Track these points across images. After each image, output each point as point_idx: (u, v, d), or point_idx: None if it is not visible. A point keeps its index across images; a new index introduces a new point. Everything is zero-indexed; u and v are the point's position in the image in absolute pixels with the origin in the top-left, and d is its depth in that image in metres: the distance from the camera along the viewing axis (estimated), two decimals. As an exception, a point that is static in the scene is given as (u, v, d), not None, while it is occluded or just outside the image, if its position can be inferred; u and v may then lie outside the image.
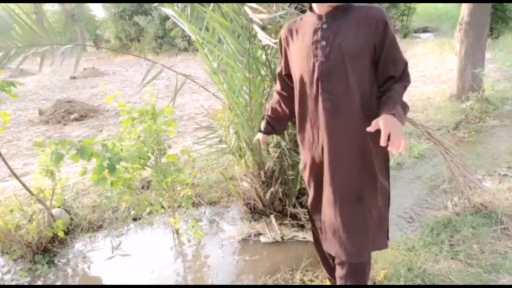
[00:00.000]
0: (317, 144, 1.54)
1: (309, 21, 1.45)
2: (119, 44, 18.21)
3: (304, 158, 1.66)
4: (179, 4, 2.67)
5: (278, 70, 1.75)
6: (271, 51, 2.48)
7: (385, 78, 1.42)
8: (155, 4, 12.70)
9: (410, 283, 2.05)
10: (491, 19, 6.67)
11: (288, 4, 2.32)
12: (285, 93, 1.76)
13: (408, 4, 15.12)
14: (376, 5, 1.40)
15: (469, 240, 2.40)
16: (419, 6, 16.41)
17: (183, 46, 15.64)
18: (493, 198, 2.75)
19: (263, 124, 1.94)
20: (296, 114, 1.63)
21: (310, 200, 1.75)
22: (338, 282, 1.67)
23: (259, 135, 1.96)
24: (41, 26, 2.38)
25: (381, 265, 2.18)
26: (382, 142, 1.17)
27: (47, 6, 23.44)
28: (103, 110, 7.46)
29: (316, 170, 1.61)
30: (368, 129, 1.23)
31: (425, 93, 6.16)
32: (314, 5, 1.42)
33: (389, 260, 2.21)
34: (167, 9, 2.75)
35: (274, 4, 2.25)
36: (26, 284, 2.44)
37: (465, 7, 5.41)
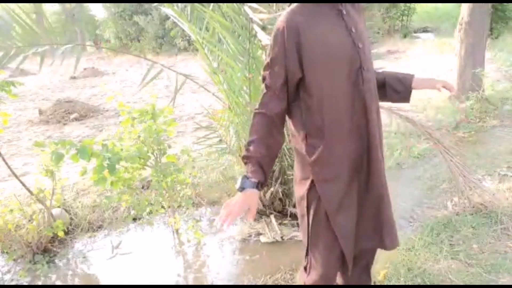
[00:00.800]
0: (360, 143, 1.33)
1: (320, 6, 1.28)
2: (119, 44, 18.20)
3: (335, 175, 1.34)
4: (179, 4, 2.67)
5: (279, 78, 1.28)
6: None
7: None
8: (155, 4, 12.69)
9: (410, 283, 2.05)
10: (491, 19, 6.66)
11: (288, 4, 2.32)
12: (284, 112, 1.35)
13: (408, 4, 15.11)
14: None
15: (469, 240, 2.40)
16: (419, 6, 16.40)
17: (183, 46, 15.62)
18: (493, 198, 2.75)
19: (252, 176, 1.26)
20: (324, 123, 1.29)
21: (345, 228, 1.38)
22: (355, 282, 1.63)
23: (249, 195, 1.25)
24: (41, 26, 2.38)
25: (381, 265, 2.18)
26: (454, 90, 1.56)
27: (47, 6, 23.44)
28: (103, 110, 7.46)
29: (356, 178, 1.37)
30: (444, 86, 1.60)
31: (425, 93, 6.16)
32: None
33: (389, 260, 2.21)
34: (167, 9, 2.75)
35: (274, 4, 2.25)
36: (26, 284, 2.44)
37: (465, 7, 5.41)
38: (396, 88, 1.53)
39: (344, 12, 1.28)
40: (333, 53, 1.25)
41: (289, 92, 1.31)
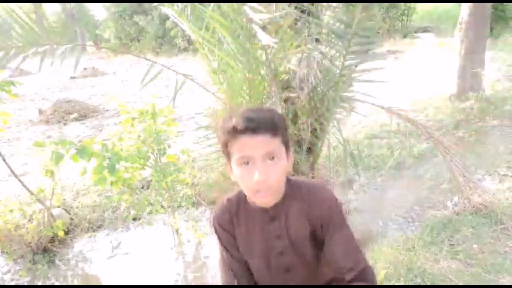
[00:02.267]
0: None
1: (252, 210, 1.16)
2: (119, 44, 18.19)
3: None
4: (179, 4, 2.67)
5: (231, 260, 1.26)
6: (271, 51, 2.48)
7: (337, 270, 1.13)
8: (155, 4, 12.67)
9: (410, 283, 2.05)
10: (491, 19, 6.67)
11: (288, 4, 2.32)
12: (249, 273, 1.28)
13: (408, 4, 15.10)
14: (322, 183, 1.26)
15: (469, 240, 2.39)
16: (419, 6, 16.40)
17: (183, 46, 15.61)
18: (493, 198, 2.75)
19: None
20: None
21: None
22: None
23: None
24: (41, 26, 2.38)
25: (381, 265, 2.17)
26: None
27: (47, 6, 23.44)
28: (103, 110, 7.46)
29: None
30: None
31: (425, 93, 6.16)
32: (249, 195, 1.10)
33: (389, 260, 2.21)
34: (167, 9, 2.75)
35: (274, 4, 2.25)
36: (26, 284, 2.44)
37: (465, 7, 5.41)
38: None
39: (273, 220, 1.14)
40: (253, 256, 1.20)
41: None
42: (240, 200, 1.19)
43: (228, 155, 1.05)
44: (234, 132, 0.99)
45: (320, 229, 1.14)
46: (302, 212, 1.14)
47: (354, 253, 1.13)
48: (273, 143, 1.00)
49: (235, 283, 1.26)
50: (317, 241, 1.16)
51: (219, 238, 1.25)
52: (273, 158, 1.00)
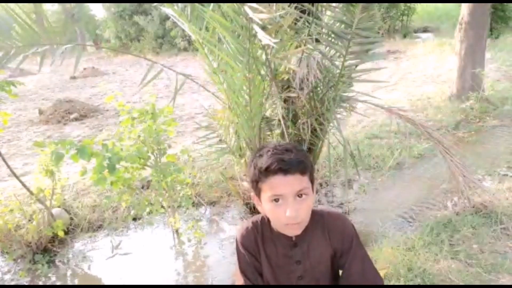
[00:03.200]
0: None
1: (276, 235, 1.22)
2: (119, 44, 18.18)
3: None
4: (179, 4, 2.67)
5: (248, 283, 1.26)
6: (271, 51, 2.48)
7: None
8: (155, 4, 12.67)
9: (410, 283, 2.05)
10: (491, 19, 6.67)
11: (288, 4, 2.32)
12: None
13: (408, 4, 15.11)
14: (339, 213, 1.29)
15: (469, 240, 2.39)
16: (419, 6, 16.41)
17: (183, 46, 15.63)
18: (493, 198, 2.75)
19: None
20: None
21: None
22: None
23: None
24: (41, 26, 2.38)
25: (381, 265, 2.17)
26: None
27: (47, 6, 23.44)
28: (103, 110, 7.46)
29: None
30: None
31: (425, 93, 6.16)
32: (278, 227, 1.17)
33: (389, 260, 2.21)
34: (167, 9, 2.75)
35: (274, 4, 2.25)
36: (26, 284, 2.44)
37: (465, 7, 5.41)
38: None
39: (296, 246, 1.19)
40: (273, 278, 1.23)
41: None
42: (264, 224, 1.24)
43: (258, 190, 1.10)
44: (266, 172, 1.04)
45: (339, 257, 1.21)
46: (324, 238, 1.21)
47: (372, 271, 1.19)
48: (303, 182, 1.05)
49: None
50: (334, 266, 1.24)
51: (240, 260, 1.26)
52: (302, 195, 1.06)
